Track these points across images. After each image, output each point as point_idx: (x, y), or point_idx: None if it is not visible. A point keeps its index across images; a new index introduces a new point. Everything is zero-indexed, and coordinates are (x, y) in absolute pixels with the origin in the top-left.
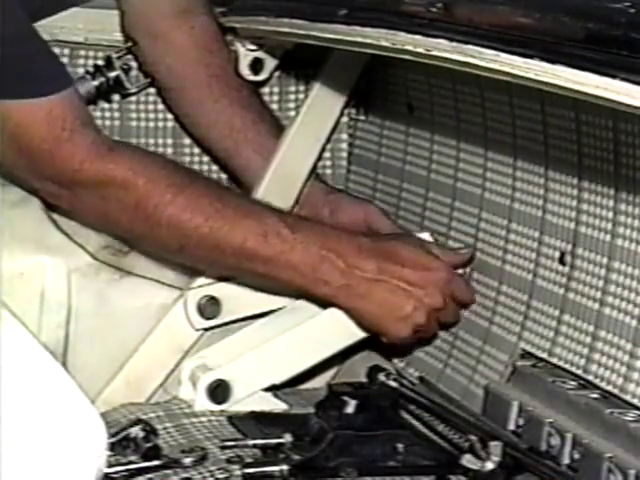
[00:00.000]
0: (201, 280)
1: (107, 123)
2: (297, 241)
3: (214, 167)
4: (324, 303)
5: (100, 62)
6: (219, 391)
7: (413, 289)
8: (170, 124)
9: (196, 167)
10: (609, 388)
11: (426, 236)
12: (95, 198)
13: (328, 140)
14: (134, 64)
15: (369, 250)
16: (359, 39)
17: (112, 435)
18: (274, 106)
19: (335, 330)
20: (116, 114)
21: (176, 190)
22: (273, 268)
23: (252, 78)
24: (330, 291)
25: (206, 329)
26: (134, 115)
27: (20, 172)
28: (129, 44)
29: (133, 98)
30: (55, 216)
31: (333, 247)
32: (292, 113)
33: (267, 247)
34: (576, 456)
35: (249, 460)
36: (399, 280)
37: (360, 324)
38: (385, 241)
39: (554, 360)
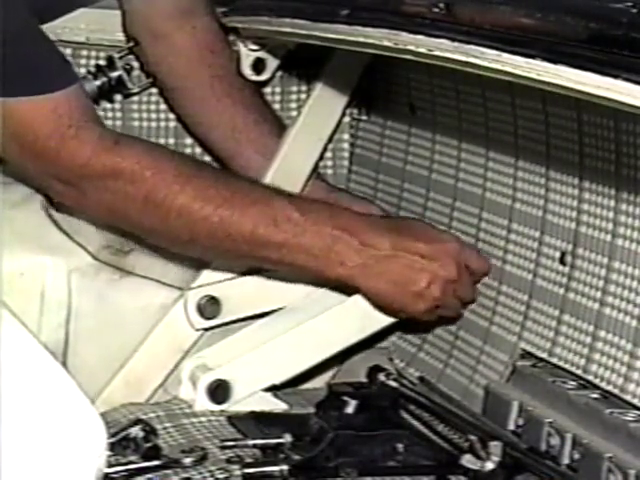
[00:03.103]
0: (201, 280)
1: (109, 123)
2: (308, 223)
3: (216, 167)
4: (338, 288)
5: (102, 62)
6: (219, 391)
7: (427, 262)
8: (172, 124)
9: None
10: (609, 388)
11: None
12: (103, 193)
13: (330, 140)
14: (136, 64)
15: (381, 227)
16: (361, 39)
17: (112, 435)
18: (276, 106)
19: (335, 330)
20: (118, 114)
21: (184, 180)
22: (287, 253)
23: (254, 78)
24: (345, 271)
25: (206, 329)
26: (136, 115)
27: (27, 170)
28: (131, 44)
29: (135, 98)
30: (55, 216)
31: (345, 226)
32: (294, 113)
33: (278, 232)
34: (576, 456)
35: (249, 460)
36: (413, 254)
37: (376, 303)
38: (395, 218)
39: (554, 360)
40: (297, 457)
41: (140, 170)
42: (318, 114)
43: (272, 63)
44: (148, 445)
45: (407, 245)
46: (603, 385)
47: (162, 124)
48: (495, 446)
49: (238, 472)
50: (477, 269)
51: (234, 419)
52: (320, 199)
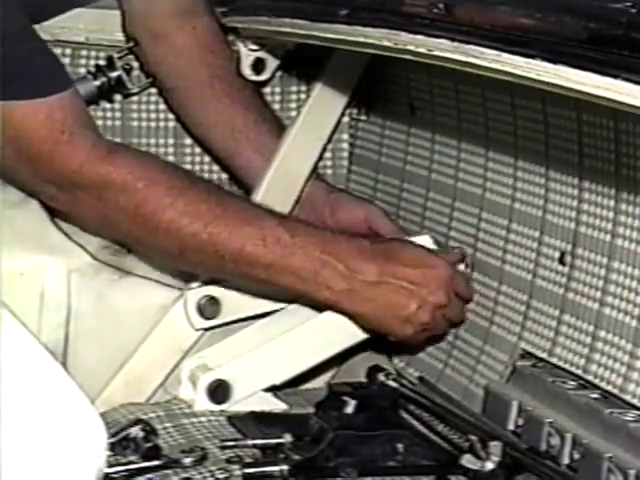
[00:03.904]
0: (201, 280)
1: (108, 123)
2: (297, 246)
3: (215, 167)
4: (326, 307)
5: (102, 62)
6: (219, 391)
7: (415, 288)
8: (171, 124)
9: (197, 167)
10: (609, 388)
11: (426, 238)
12: (94, 201)
13: (329, 140)
14: (136, 64)
15: (369, 252)
16: (361, 39)
17: (112, 435)
18: (276, 106)
19: (335, 331)
20: (117, 114)
21: (176, 194)
22: (274, 274)
23: (254, 78)
24: (332, 296)
25: (206, 329)
26: (135, 115)
27: (20, 174)
28: (131, 44)
29: (134, 98)
30: (55, 216)
31: (333, 251)
32: (294, 113)
33: (267, 253)
34: (576, 456)
35: (249, 460)
36: (401, 280)
37: (364, 327)
38: (385, 242)
39: (554, 360)
40: (297, 457)
41: (132, 181)
42: (318, 114)
43: (272, 63)
44: (148, 445)
45: (395, 271)
46: (603, 385)
47: (161, 124)
48: (495, 446)
49: (238, 472)
50: (464, 295)
51: (234, 419)
52: (320, 200)
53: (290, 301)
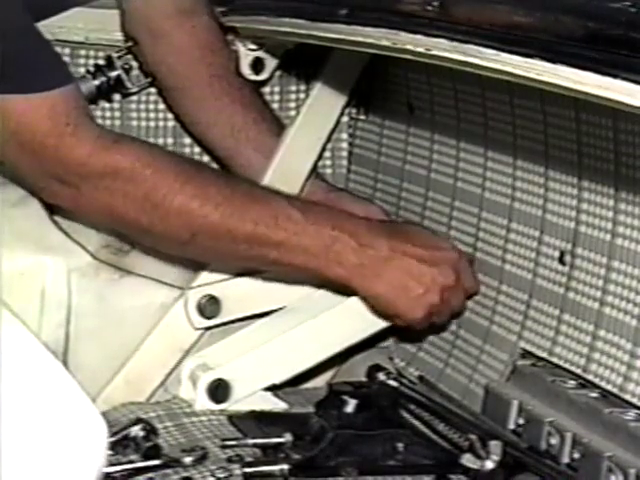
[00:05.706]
0: (201, 279)
1: (108, 123)
2: (308, 223)
3: (215, 166)
4: (335, 290)
5: (101, 62)
6: (219, 390)
7: (425, 267)
8: (171, 123)
9: None
10: (609, 387)
11: None
12: (101, 192)
13: (328, 140)
14: (135, 64)
15: (380, 230)
16: (360, 39)
17: (112, 434)
18: (275, 105)
19: (335, 330)
20: (117, 114)
21: (184, 179)
22: (285, 252)
23: (253, 78)
24: (344, 271)
25: (206, 328)
26: (135, 115)
27: (23, 170)
28: (130, 44)
29: (134, 98)
30: (55, 216)
31: (344, 227)
32: (293, 112)
33: (278, 231)
34: (576, 455)
35: (249, 459)
36: (411, 258)
37: (374, 307)
38: (393, 223)
39: (554, 359)
40: (297, 456)
41: (140, 168)
42: (317, 114)
43: (271, 63)
44: (148, 444)
45: (405, 248)
46: (603, 384)
47: (160, 124)
48: (495, 445)
49: (238, 471)
50: (469, 283)
51: (234, 418)
52: (320, 199)
53: (291, 300)
